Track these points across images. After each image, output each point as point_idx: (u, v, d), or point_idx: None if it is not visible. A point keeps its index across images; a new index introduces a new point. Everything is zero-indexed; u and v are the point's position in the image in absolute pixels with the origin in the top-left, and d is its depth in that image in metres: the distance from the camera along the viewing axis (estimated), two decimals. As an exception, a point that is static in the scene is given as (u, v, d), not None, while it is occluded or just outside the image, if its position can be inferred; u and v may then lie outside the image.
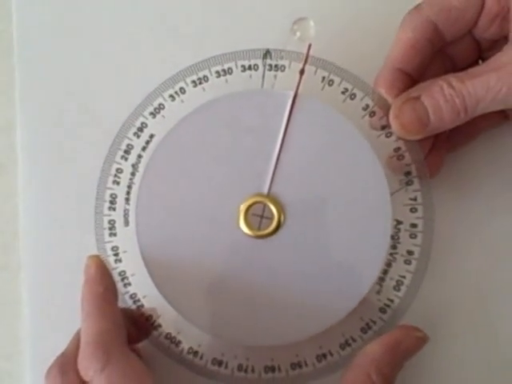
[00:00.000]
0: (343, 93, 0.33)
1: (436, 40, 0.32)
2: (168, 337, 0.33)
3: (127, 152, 0.34)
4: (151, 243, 0.32)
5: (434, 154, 0.34)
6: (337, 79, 0.33)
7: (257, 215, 0.33)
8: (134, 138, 0.34)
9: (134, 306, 0.33)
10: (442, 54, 0.34)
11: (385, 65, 0.33)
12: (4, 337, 0.37)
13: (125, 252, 0.34)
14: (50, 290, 0.36)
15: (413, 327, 0.31)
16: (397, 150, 0.33)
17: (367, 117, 0.33)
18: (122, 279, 0.33)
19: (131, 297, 0.33)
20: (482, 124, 0.34)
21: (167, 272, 0.32)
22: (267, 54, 0.33)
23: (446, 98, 0.30)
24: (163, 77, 0.34)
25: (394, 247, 0.33)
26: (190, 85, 0.33)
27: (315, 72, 0.33)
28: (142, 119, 0.33)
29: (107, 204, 0.34)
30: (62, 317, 0.35)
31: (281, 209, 0.32)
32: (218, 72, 0.33)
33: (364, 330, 0.33)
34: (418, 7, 0.32)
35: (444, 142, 0.34)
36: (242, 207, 0.32)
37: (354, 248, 0.32)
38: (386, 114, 0.33)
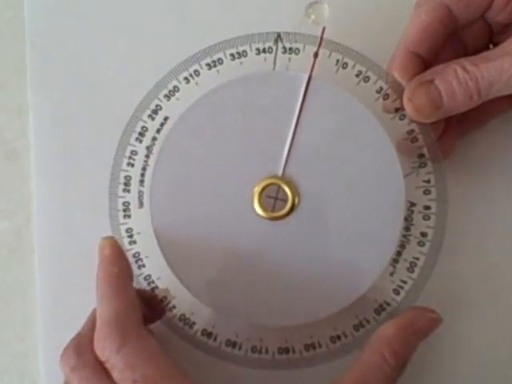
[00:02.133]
0: (357, 76, 0.33)
1: (449, 23, 0.32)
2: (182, 318, 0.33)
3: (142, 134, 0.34)
4: (165, 224, 0.33)
5: (446, 136, 0.34)
6: (351, 62, 0.33)
7: (271, 197, 0.33)
8: (149, 121, 0.34)
9: (148, 288, 0.33)
10: (454, 37, 0.34)
11: (398, 48, 0.33)
12: (18, 319, 0.37)
13: (139, 234, 0.34)
14: (63, 273, 0.36)
15: (426, 308, 0.32)
16: (410, 132, 0.33)
17: (381, 99, 0.33)
18: (137, 261, 0.34)
19: (145, 278, 0.34)
20: (493, 109, 0.34)
21: (181, 253, 0.32)
22: (278, 38, 0.33)
23: (460, 81, 0.31)
24: (178, 60, 0.34)
25: (407, 229, 0.33)
26: (205, 67, 0.34)
27: (329, 55, 0.33)
28: (156, 101, 0.34)
29: (122, 186, 0.34)
30: (75, 299, 0.35)
31: (295, 191, 0.32)
32: (232, 55, 0.34)
33: (377, 312, 0.33)
34: None
35: (456, 125, 0.34)
36: (257, 189, 0.32)
37: (367, 230, 0.32)
38: (400, 97, 0.33)
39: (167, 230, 0.32)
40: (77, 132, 0.37)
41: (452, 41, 0.34)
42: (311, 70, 0.33)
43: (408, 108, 0.32)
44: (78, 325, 0.31)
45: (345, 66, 0.33)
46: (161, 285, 0.33)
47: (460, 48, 0.34)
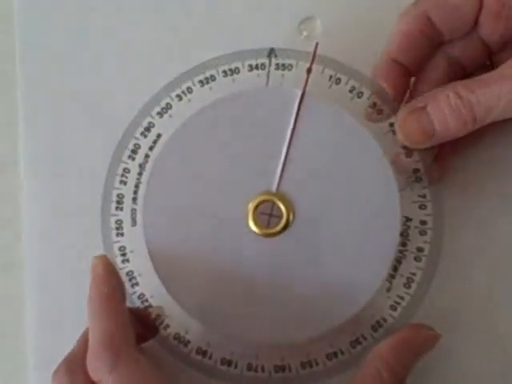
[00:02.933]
0: (350, 91, 0.33)
1: (433, 34, 0.32)
2: (176, 337, 0.33)
3: (134, 152, 0.34)
4: (158, 242, 0.32)
5: (441, 157, 0.34)
6: (344, 78, 0.33)
7: (265, 213, 0.32)
8: (141, 138, 0.34)
9: (141, 306, 0.33)
10: (448, 55, 0.33)
11: (381, 56, 0.33)
12: (7, 336, 0.36)
13: (132, 252, 0.33)
14: (54, 291, 0.35)
15: (422, 325, 0.31)
16: (405, 147, 0.33)
17: (375, 114, 0.33)
18: (130, 279, 0.33)
19: (139, 297, 0.33)
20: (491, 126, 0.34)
21: (175, 271, 0.32)
22: (271, 52, 0.33)
23: (453, 108, 0.30)
24: (170, 77, 0.34)
25: (403, 244, 0.33)
26: (198, 84, 0.33)
27: (322, 71, 0.33)
28: (149, 119, 0.33)
29: (114, 204, 0.34)
30: (66, 318, 0.35)
31: (289, 207, 0.32)
32: (225, 71, 0.33)
33: (374, 328, 0.32)
34: (416, 1, 0.32)
35: (451, 145, 0.34)
36: (251, 205, 0.32)
37: (363, 246, 0.32)
38: (393, 111, 0.33)
39: (161, 247, 0.32)
40: (67, 148, 0.36)
41: (447, 59, 0.33)
42: (304, 86, 0.33)
43: (399, 134, 0.32)
44: (68, 342, 0.31)
45: (338, 81, 0.33)
46: (154, 303, 0.33)
47: (457, 67, 0.33)
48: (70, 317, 0.33)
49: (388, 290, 0.33)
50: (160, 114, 0.33)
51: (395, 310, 0.32)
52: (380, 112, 0.33)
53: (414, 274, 0.33)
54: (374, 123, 0.33)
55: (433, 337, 0.31)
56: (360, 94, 0.33)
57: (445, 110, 0.30)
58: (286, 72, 0.33)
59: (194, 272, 0.32)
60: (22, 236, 0.36)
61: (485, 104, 0.29)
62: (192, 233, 0.32)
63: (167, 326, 0.33)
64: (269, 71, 0.33)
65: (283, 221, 0.32)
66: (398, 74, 0.32)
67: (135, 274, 0.33)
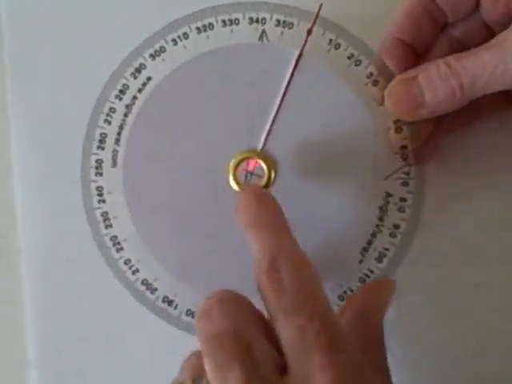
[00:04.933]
0: (349, 58, 0.33)
1: (436, 15, 0.32)
2: (144, 283, 0.33)
3: (122, 92, 0.33)
4: (136, 186, 0.32)
5: (432, 138, 0.33)
6: (344, 43, 0.33)
7: (247, 171, 0.32)
8: (131, 79, 0.33)
9: (113, 249, 0.33)
10: (452, 37, 0.33)
11: (386, 34, 0.32)
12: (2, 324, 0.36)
13: (109, 193, 0.33)
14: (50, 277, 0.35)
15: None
16: (396, 121, 0.32)
17: (370, 85, 0.33)
18: (104, 220, 0.33)
19: (111, 239, 0.33)
20: (485, 109, 0.34)
21: (148, 217, 0.32)
22: (274, 7, 0.32)
23: (441, 77, 0.30)
24: (168, 20, 0.33)
25: (380, 219, 0.33)
26: (194, 31, 0.33)
27: (323, 34, 0.32)
28: (141, 60, 0.33)
29: (96, 143, 0.33)
30: (63, 305, 0.34)
31: (271, 167, 0.32)
32: (224, 21, 0.33)
33: (341, 298, 0.33)
34: None
35: (444, 125, 0.33)
36: (233, 162, 0.32)
37: (342, 216, 0.32)
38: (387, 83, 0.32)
39: (138, 192, 0.32)
40: (56, 95, 0.35)
41: (450, 41, 0.33)
42: (302, 47, 0.32)
43: (388, 103, 0.31)
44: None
45: (337, 46, 0.33)
46: (126, 247, 0.33)
47: (461, 50, 0.32)
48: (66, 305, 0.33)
49: (360, 261, 0.33)
50: (153, 57, 0.33)
51: (364, 282, 0.33)
52: (375, 83, 0.32)
53: (387, 250, 0.33)
54: (368, 94, 0.33)
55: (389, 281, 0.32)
56: (358, 62, 0.33)
57: (434, 78, 0.30)
58: (285, 30, 0.33)
59: (168, 221, 0.32)
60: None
61: (471, 72, 0.29)
62: (171, 183, 0.32)
63: (137, 270, 0.33)
64: (268, 27, 0.33)
65: (264, 180, 0.32)
66: (402, 53, 0.32)
67: (110, 216, 0.33)
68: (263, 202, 0.28)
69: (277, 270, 0.25)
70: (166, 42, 0.33)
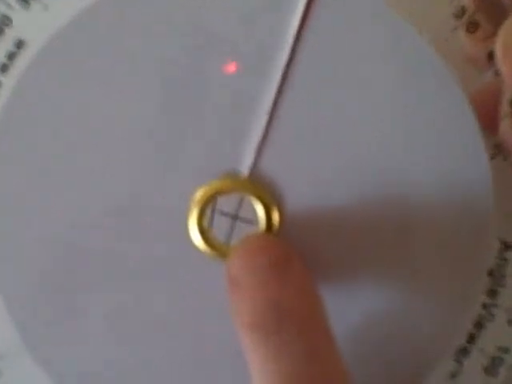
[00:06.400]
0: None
1: None
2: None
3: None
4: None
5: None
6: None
7: (225, 214, 0.16)
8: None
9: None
10: None
11: None
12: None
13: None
14: None
15: None
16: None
17: (461, 31, 0.16)
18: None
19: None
20: None
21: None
22: None
23: None
24: None
25: (491, 295, 0.17)
26: None
27: None
28: (2, 8, 0.17)
29: None
30: None
31: (271, 205, 0.16)
32: None
33: None
34: None
35: None
36: (197, 200, 0.16)
37: (414, 295, 0.16)
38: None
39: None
40: None
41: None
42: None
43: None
44: None
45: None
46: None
47: None
48: None
49: (452, 376, 0.17)
50: (24, 2, 0.17)
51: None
52: (475, 27, 0.16)
53: (506, 352, 0.17)
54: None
55: None
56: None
57: None
58: None
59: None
60: None
61: None
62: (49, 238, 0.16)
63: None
64: None
65: (259, 231, 0.16)
66: None
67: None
68: (288, 275, 0.15)
69: None
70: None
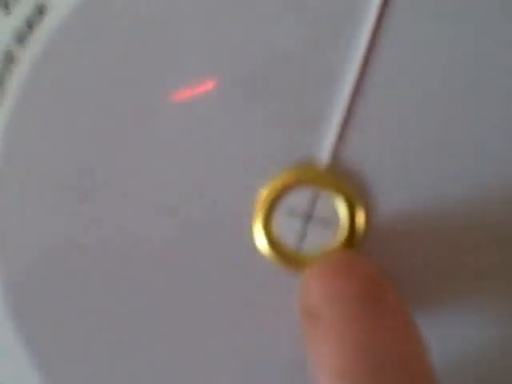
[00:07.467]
0: None
1: None
2: None
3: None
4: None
5: None
6: None
7: (297, 215, 0.13)
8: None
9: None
10: None
11: None
12: None
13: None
14: None
15: None
16: None
17: None
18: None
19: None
20: None
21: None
22: None
23: None
24: None
25: None
26: None
27: None
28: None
29: None
30: None
31: (356, 203, 0.13)
32: None
33: None
34: None
35: None
36: (263, 196, 0.13)
37: None
38: None
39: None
40: None
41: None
42: None
43: None
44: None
45: None
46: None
47: None
48: None
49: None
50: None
51: None
52: None
53: None
54: None
55: None
56: None
57: None
58: None
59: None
60: None
61: None
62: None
63: None
64: None
65: (339, 235, 0.13)
66: None
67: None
68: (383, 310, 0.12)
69: None
70: None
